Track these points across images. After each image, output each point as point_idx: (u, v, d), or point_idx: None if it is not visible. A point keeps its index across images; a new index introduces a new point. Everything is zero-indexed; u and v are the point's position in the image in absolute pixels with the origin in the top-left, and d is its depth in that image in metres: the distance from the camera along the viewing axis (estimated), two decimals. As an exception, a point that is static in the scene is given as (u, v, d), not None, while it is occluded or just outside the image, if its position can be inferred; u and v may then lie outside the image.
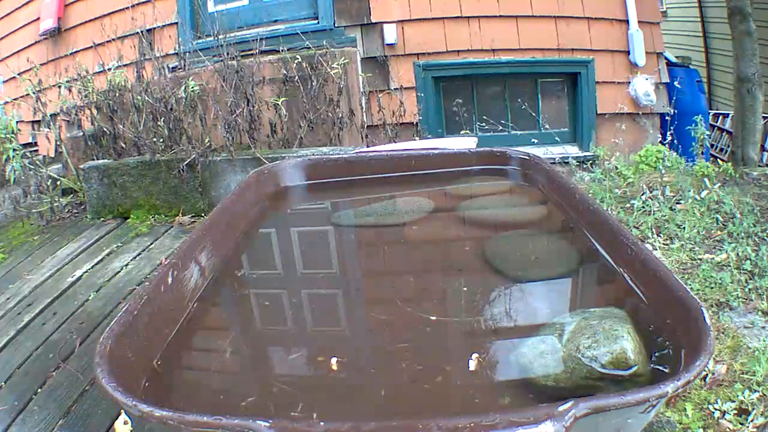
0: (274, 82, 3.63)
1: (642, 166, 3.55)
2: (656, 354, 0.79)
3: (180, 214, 3.33)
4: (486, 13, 3.97)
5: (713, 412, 1.57)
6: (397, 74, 3.98)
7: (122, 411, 1.58)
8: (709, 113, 5.82)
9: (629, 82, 4.07)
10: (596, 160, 3.88)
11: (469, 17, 3.97)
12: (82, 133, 3.66)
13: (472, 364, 0.82)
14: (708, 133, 4.29)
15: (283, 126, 3.55)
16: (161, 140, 3.40)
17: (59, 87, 3.72)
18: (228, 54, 3.57)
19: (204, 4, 4.13)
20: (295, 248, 1.29)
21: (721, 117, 6.21)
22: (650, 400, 0.62)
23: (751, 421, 1.52)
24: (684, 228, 2.63)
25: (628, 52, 4.04)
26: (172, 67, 3.84)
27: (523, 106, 4.16)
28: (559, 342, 0.81)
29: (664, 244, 2.57)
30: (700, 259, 2.39)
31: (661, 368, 0.76)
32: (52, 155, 3.96)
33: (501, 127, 4.18)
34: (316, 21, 4.01)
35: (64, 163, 3.74)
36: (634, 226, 2.73)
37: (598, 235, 1.12)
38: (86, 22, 4.37)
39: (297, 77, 3.53)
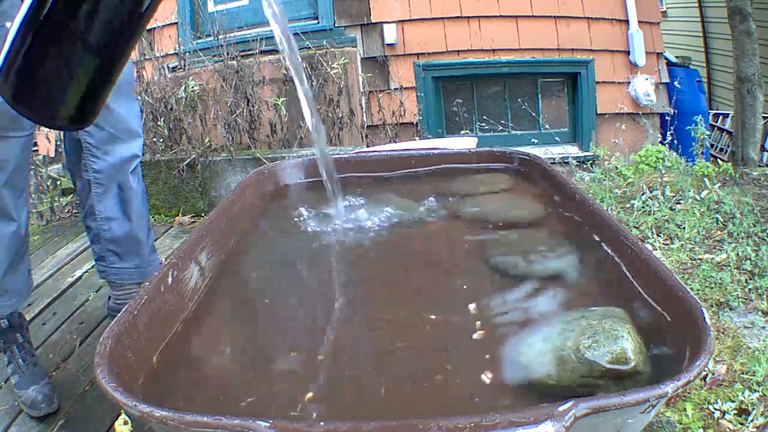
0: (274, 82, 3.63)
1: (642, 166, 3.55)
2: (656, 354, 0.79)
3: (180, 214, 3.33)
4: (486, 13, 3.98)
5: (713, 412, 1.57)
6: (397, 74, 3.99)
7: (122, 411, 1.58)
8: (709, 113, 5.82)
9: (629, 82, 4.07)
10: (596, 160, 3.89)
11: (469, 17, 3.98)
12: (82, 133, 3.66)
13: (472, 364, 0.82)
14: (708, 133, 4.29)
15: (283, 126, 3.55)
16: (161, 140, 3.40)
17: (59, 87, 3.71)
18: (228, 54, 3.57)
19: (204, 4, 4.14)
20: (295, 248, 1.29)
21: (721, 117, 6.21)
22: (650, 400, 0.62)
23: (751, 421, 1.52)
24: (684, 228, 2.63)
25: (628, 52, 4.04)
26: (172, 67, 3.84)
27: (523, 106, 4.16)
28: (559, 342, 0.81)
29: (664, 244, 2.57)
30: (700, 259, 2.39)
31: (661, 368, 0.76)
32: (52, 155, 3.95)
33: (501, 127, 4.19)
34: (316, 21, 4.01)
35: (64, 163, 3.74)
36: (634, 226, 2.73)
37: (598, 235, 1.12)
38: (86, 22, 4.36)
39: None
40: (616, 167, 3.55)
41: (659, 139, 4.03)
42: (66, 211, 3.55)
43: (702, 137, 3.48)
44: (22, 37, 0.61)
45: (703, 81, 5.32)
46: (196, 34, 4.06)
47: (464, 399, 0.77)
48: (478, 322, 0.94)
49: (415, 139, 3.95)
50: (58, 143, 3.75)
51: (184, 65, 3.74)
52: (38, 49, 0.62)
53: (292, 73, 1.32)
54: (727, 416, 1.55)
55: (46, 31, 0.62)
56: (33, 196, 3.53)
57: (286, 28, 1.17)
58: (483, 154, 1.67)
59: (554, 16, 3.99)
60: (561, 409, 0.59)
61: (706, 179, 3.06)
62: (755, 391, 1.61)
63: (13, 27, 0.61)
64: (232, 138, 3.35)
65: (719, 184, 3.05)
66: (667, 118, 3.92)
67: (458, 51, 4.02)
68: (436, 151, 1.69)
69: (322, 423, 0.59)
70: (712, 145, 5.86)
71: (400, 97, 3.96)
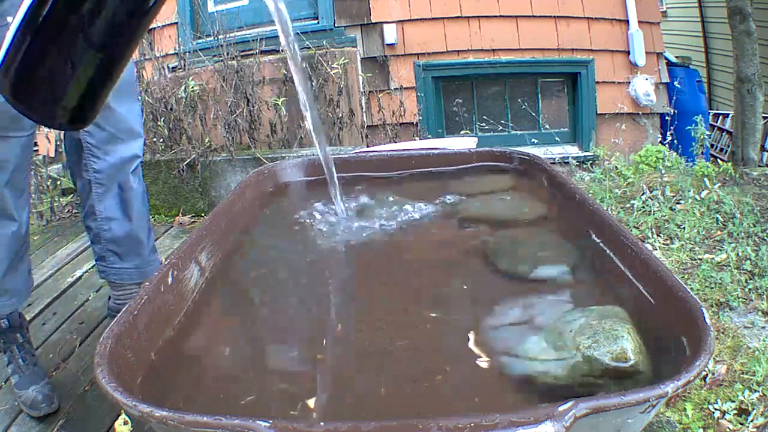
0: (274, 82, 3.63)
1: (642, 166, 3.55)
2: (656, 354, 0.79)
3: (180, 214, 3.33)
4: (486, 13, 3.98)
5: (713, 412, 1.57)
6: (397, 74, 3.99)
7: (122, 411, 1.58)
8: (709, 113, 5.82)
9: (629, 82, 4.07)
10: (596, 160, 3.89)
11: (469, 17, 3.98)
12: (82, 133, 3.65)
13: (472, 364, 0.82)
14: (708, 133, 4.29)
15: (283, 126, 3.55)
16: (161, 140, 3.40)
17: (59, 87, 3.70)
18: (228, 54, 3.57)
19: (204, 4, 4.14)
20: (294, 248, 1.29)
21: (721, 117, 6.21)
22: (650, 400, 0.62)
23: (751, 421, 1.52)
24: (684, 228, 2.63)
25: (628, 52, 4.04)
26: (172, 67, 3.84)
27: (523, 106, 4.16)
28: (559, 341, 0.81)
29: (664, 244, 2.57)
30: (700, 259, 2.39)
31: (661, 368, 0.76)
32: (52, 155, 3.96)
33: (501, 127, 4.19)
34: (316, 21, 4.01)
35: (64, 163, 3.75)
36: (634, 226, 2.73)
37: (598, 235, 1.12)
38: (86, 22, 4.36)
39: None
40: (616, 167, 3.55)
41: (659, 139, 4.03)
42: (66, 211, 3.55)
43: (702, 137, 3.49)
44: (23, 34, 0.61)
45: (703, 81, 5.32)
46: (196, 34, 4.06)
47: (464, 399, 0.77)
48: (478, 322, 0.94)
49: (415, 139, 3.95)
50: (58, 143, 3.75)
51: (184, 65, 3.73)
52: (39, 46, 0.62)
53: (292, 71, 1.32)
54: (727, 416, 1.55)
55: (47, 28, 0.61)
56: (33, 196, 3.53)
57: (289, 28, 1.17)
58: (483, 154, 1.67)
59: (554, 16, 3.99)
60: (561, 409, 0.59)
61: (706, 179, 3.06)
62: (755, 391, 1.61)
63: (14, 23, 0.60)
64: (232, 138, 3.36)
65: (719, 184, 3.05)
66: (667, 118, 3.92)
67: (458, 51, 4.02)
68: (436, 151, 1.69)
69: (322, 423, 0.59)
70: (712, 145, 5.87)
71: (400, 97, 3.96)
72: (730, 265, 2.28)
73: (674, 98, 3.90)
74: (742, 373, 1.68)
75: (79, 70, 0.65)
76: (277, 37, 3.78)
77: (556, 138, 4.05)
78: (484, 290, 1.06)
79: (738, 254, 2.35)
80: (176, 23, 4.06)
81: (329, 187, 1.36)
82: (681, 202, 2.91)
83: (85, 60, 0.65)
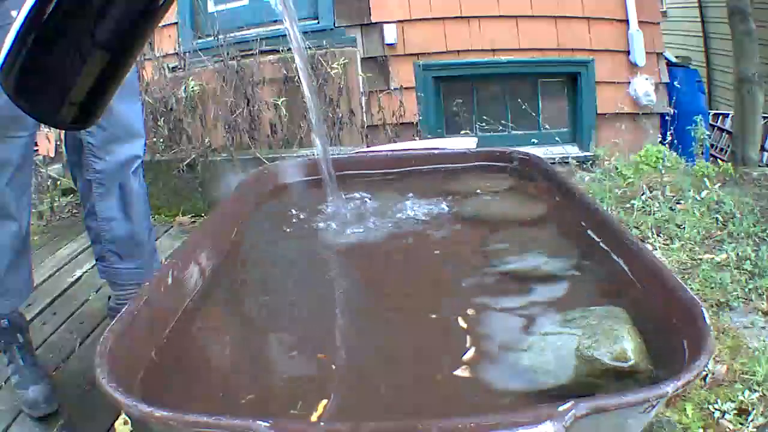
0: (274, 82, 3.63)
1: (642, 166, 3.55)
2: (656, 354, 0.79)
3: (180, 214, 3.33)
4: (486, 13, 3.97)
5: (713, 412, 1.57)
6: (397, 74, 3.98)
7: (122, 411, 1.58)
8: (709, 113, 5.82)
9: (629, 82, 4.07)
10: (596, 160, 3.88)
11: (469, 17, 3.98)
12: (82, 133, 3.65)
13: (472, 364, 0.82)
14: (708, 133, 4.29)
15: (283, 126, 3.55)
16: (161, 140, 3.40)
17: (59, 87, 3.70)
18: (228, 54, 3.57)
19: (204, 3, 4.13)
20: (294, 248, 1.29)
21: (721, 117, 6.21)
22: (650, 400, 0.62)
23: (751, 421, 1.52)
24: (684, 228, 2.63)
25: (628, 52, 4.04)
26: (172, 67, 3.84)
27: (523, 106, 4.16)
28: (559, 342, 0.81)
29: (664, 244, 2.57)
30: (700, 259, 2.39)
31: (661, 368, 0.76)
32: (52, 155, 3.95)
33: (501, 127, 4.18)
34: (316, 21, 4.01)
35: (64, 163, 3.74)
36: (634, 226, 2.73)
37: (598, 235, 1.12)
38: (86, 22, 4.35)
39: (297, 77, 3.53)
40: (616, 167, 3.55)
41: (659, 139, 4.03)
42: (66, 211, 3.55)
43: (702, 137, 3.49)
44: (28, 30, 0.60)
45: (703, 81, 5.32)
46: (196, 34, 4.06)
47: (464, 399, 0.77)
48: (479, 323, 0.94)
49: (415, 139, 3.94)
50: (58, 143, 3.75)
51: (184, 65, 3.73)
52: (43, 44, 0.61)
53: (298, 66, 1.32)
54: (727, 416, 1.55)
55: (53, 25, 0.60)
56: (33, 196, 3.52)
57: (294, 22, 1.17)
58: (483, 154, 1.67)
59: (554, 16, 3.99)
60: (561, 409, 0.59)
61: (706, 179, 3.06)
62: (755, 391, 1.61)
63: (19, 18, 0.59)
64: (232, 138, 3.36)
65: (719, 184, 3.05)
66: (667, 118, 3.92)
67: (458, 51, 4.02)
68: (436, 151, 1.69)
69: (322, 423, 0.59)
70: (712, 145, 5.86)
71: (400, 97, 3.96)
72: (730, 265, 2.28)
73: (674, 98, 3.90)
74: (742, 373, 1.68)
75: (84, 69, 0.64)
76: (277, 37, 3.79)
77: (556, 138, 4.05)
78: (484, 290, 1.06)
79: (738, 254, 2.35)
80: (176, 23, 4.06)
81: (328, 186, 1.36)
82: (681, 202, 2.91)
83: (91, 60, 0.64)
